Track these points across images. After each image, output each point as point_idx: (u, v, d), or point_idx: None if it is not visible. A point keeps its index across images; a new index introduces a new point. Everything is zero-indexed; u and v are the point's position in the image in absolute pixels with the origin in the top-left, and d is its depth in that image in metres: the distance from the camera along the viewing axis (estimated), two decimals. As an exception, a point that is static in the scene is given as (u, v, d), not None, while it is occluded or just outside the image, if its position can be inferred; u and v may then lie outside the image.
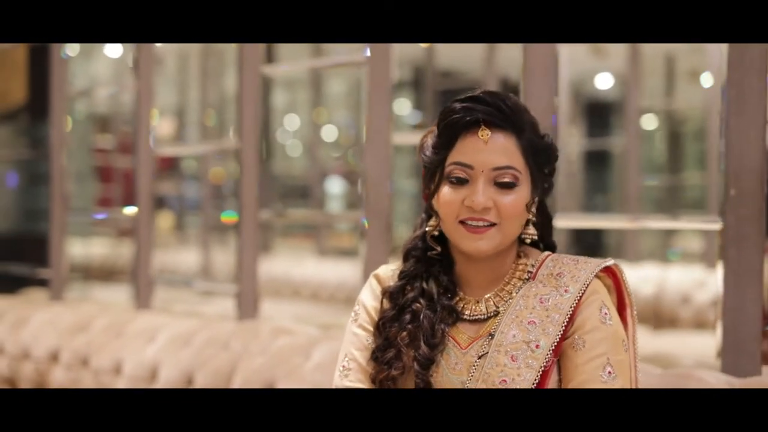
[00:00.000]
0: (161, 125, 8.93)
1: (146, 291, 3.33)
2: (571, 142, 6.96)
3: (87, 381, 2.94)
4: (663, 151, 8.15)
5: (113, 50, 6.16)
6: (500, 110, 1.52)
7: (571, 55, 6.31)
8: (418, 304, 1.59)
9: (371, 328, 1.63)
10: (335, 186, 9.16)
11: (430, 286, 1.60)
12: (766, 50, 2.06)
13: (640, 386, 1.94)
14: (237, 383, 2.56)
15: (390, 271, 1.68)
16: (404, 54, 6.68)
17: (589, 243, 6.99)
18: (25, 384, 3.13)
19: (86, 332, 3.07)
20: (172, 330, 2.88)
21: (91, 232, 6.85)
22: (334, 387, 1.63)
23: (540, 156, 1.58)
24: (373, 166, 2.68)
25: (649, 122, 7.94)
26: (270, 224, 7.04)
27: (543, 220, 1.66)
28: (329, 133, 8.76)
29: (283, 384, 2.47)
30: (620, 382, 1.51)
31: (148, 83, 3.32)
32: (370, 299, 1.66)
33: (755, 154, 2.06)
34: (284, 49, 6.49)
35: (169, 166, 8.75)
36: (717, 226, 2.12)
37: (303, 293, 6.40)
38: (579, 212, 6.87)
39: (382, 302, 1.64)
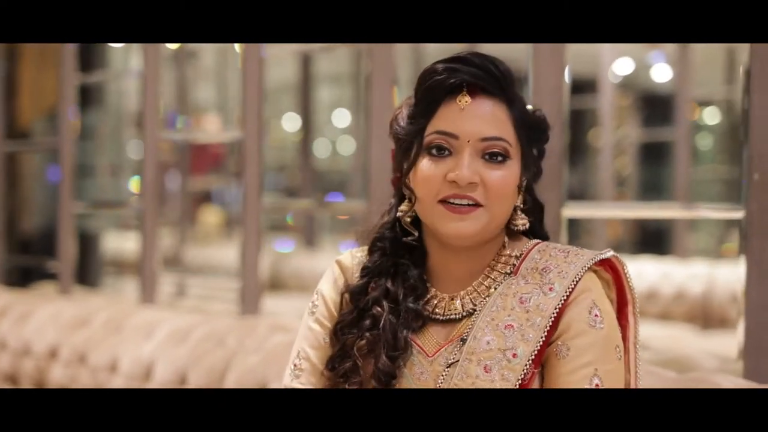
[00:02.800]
0: (208, 121, 8.90)
1: (150, 284, 3.21)
2: (620, 133, 6.72)
3: (84, 379, 2.82)
4: (723, 142, 7.84)
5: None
6: (490, 73, 1.31)
7: (626, 48, 6.08)
8: (379, 308, 1.38)
9: (329, 324, 1.44)
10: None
11: (395, 285, 1.39)
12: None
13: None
14: (230, 382, 2.42)
15: (356, 258, 1.47)
16: (446, 44, 6.50)
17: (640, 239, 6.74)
18: (25, 381, 3.03)
19: (86, 327, 2.96)
20: (171, 325, 2.75)
21: (131, 225, 6.80)
22: (283, 386, 1.45)
23: (532, 131, 1.37)
24: (377, 158, 2.52)
25: (712, 113, 7.63)
26: (315, 219, 6.94)
27: (533, 207, 1.43)
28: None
29: (275, 384, 2.32)
30: None
31: (154, 74, 3.21)
32: (329, 290, 1.46)
33: (781, 133, 1.85)
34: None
35: (216, 162, 8.70)
36: (739, 214, 1.90)
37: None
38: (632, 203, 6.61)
39: (342, 298, 1.45)
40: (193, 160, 7.50)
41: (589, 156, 7.42)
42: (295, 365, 1.44)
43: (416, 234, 1.40)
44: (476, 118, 1.30)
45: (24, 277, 4.24)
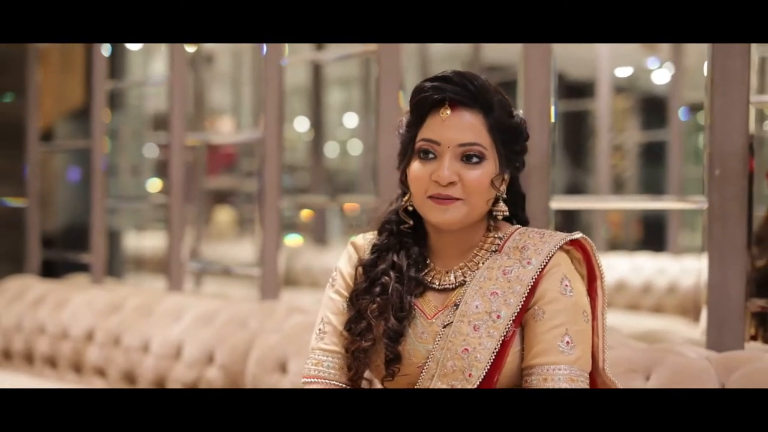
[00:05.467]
0: (222, 123, 9.14)
1: (177, 276, 3.48)
2: (622, 137, 6.94)
3: (118, 359, 3.09)
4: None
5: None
6: (467, 89, 1.60)
7: (625, 53, 6.31)
8: (387, 277, 1.67)
9: (346, 294, 1.73)
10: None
11: (400, 259, 1.68)
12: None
13: (619, 358, 2.02)
14: (253, 359, 2.68)
15: (366, 239, 1.77)
16: (452, 49, 6.73)
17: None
18: (63, 363, 3.30)
19: (119, 312, 3.23)
20: (197, 310, 3.02)
21: (148, 226, 7.04)
22: (310, 349, 1.73)
23: (508, 134, 1.64)
24: (385, 156, 2.77)
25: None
26: (326, 219, 7.20)
27: (515, 196, 1.73)
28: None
29: (294, 360, 2.58)
30: (578, 352, 1.57)
31: (179, 78, 3.47)
32: (346, 266, 1.75)
33: (738, 134, 2.10)
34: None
35: (229, 163, 8.93)
36: (703, 205, 2.17)
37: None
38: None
39: (356, 271, 1.74)
40: (206, 161, 7.74)
41: (591, 158, 7.64)
42: (319, 330, 1.74)
43: (411, 223, 1.70)
44: (455, 127, 1.59)
45: (49, 270, 4.47)
